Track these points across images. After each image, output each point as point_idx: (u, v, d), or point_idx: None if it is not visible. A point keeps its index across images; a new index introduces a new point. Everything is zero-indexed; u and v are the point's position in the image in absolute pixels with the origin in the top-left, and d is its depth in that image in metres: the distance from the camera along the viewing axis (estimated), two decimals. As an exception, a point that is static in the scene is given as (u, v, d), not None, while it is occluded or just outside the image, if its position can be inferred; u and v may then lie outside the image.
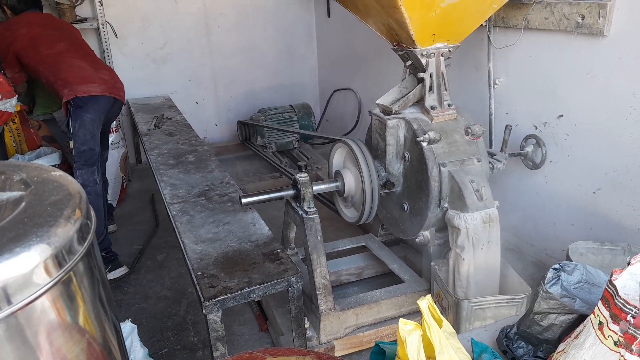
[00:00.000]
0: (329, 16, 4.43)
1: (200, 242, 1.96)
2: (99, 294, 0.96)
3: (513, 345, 1.28)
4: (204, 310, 1.65)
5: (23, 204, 0.90)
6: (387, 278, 2.44)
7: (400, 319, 1.11)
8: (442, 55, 2.10)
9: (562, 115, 2.32)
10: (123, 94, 3.05)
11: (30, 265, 0.80)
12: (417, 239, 2.20)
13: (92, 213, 0.96)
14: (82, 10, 3.88)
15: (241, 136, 4.44)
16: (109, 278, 2.79)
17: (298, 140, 4.26)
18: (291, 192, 2.16)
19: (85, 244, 0.88)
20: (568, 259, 2.01)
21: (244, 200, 2.08)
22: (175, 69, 4.41)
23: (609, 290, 1.00)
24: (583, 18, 2.10)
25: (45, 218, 0.87)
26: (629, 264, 1.10)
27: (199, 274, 1.77)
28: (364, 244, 2.62)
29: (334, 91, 4.62)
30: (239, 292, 1.66)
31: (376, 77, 3.86)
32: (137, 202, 3.75)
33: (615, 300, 0.97)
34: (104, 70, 2.99)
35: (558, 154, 2.37)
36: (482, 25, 2.29)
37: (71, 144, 2.81)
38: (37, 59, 2.86)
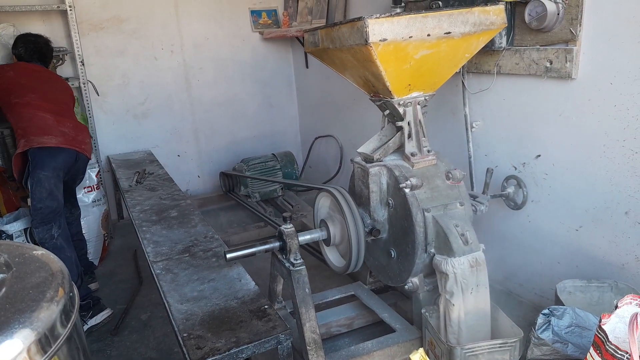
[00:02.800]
0: (307, 67, 4.55)
1: (185, 301, 1.92)
2: (81, 369, 0.92)
3: (509, 395, 1.26)
4: (191, 374, 1.59)
5: (4, 288, 0.88)
6: (379, 327, 2.40)
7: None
8: (418, 104, 2.15)
9: (539, 156, 2.37)
10: (86, 147, 2.98)
11: (12, 354, 0.77)
12: (406, 286, 2.18)
13: (75, 290, 0.94)
14: (64, 70, 3.92)
15: (224, 187, 4.44)
16: (90, 324, 2.70)
17: (282, 188, 4.26)
18: (277, 244, 2.14)
19: (69, 325, 0.86)
20: (557, 298, 2.01)
21: (228, 256, 2.06)
22: (156, 124, 4.44)
23: (599, 336, 1.00)
24: (551, 63, 2.18)
25: (27, 303, 0.84)
26: (616, 307, 1.10)
27: (185, 335, 1.72)
28: (353, 292, 2.59)
29: (316, 138, 4.68)
30: (227, 352, 1.61)
31: (356, 123, 3.93)
32: (119, 260, 3.67)
33: (607, 347, 0.96)
34: (68, 123, 2.93)
35: (539, 193, 2.41)
36: (456, 71, 2.37)
37: (29, 201, 2.75)
38: (7, 105, 2.87)
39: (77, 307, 0.92)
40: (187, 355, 1.63)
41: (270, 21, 4.64)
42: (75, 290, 0.95)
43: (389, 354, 2.12)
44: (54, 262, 0.97)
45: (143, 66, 4.28)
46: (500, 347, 1.86)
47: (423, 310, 2.09)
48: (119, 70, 4.20)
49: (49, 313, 0.83)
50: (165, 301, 1.95)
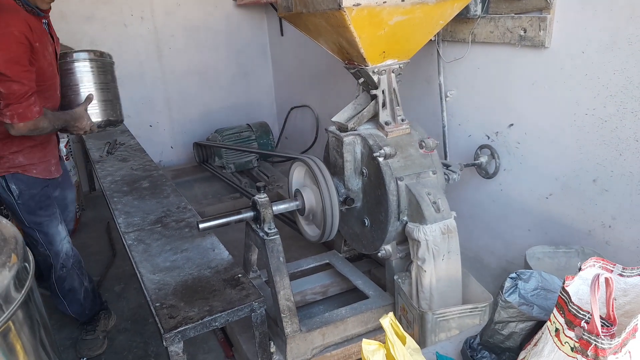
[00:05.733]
0: (282, 35, 4.46)
1: (157, 271, 1.90)
2: (40, 339, 0.90)
3: (477, 355, 1.29)
4: (164, 343, 1.59)
5: (-46, 255, 0.84)
6: (353, 294, 2.43)
7: (364, 339, 1.09)
8: (393, 72, 2.13)
9: (512, 125, 2.39)
10: None
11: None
12: (379, 253, 2.20)
13: (31, 256, 0.91)
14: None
15: (198, 158, 4.37)
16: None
17: (257, 159, 4.22)
18: (250, 214, 2.13)
19: (24, 290, 0.83)
20: (526, 264, 2.05)
21: (201, 226, 2.04)
22: (127, 93, 4.29)
23: (563, 297, 1.02)
24: (525, 31, 2.18)
25: (-22, 268, 0.81)
26: (580, 269, 1.12)
27: (157, 304, 1.71)
28: (327, 261, 2.61)
29: (292, 108, 4.63)
30: (200, 321, 1.61)
31: (332, 93, 3.89)
32: (91, 232, 3.62)
33: (569, 307, 0.99)
34: None
35: (511, 162, 2.43)
36: (431, 40, 2.34)
37: None
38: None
39: (32, 274, 0.89)
40: (160, 325, 1.62)
41: (244, -13, 4.51)
42: (31, 256, 0.92)
43: (362, 320, 2.15)
44: (6, 227, 0.94)
45: (112, 33, 4.14)
46: (470, 311, 1.91)
47: (395, 277, 2.12)
48: (86, 36, 4.05)
49: (1, 278, 0.80)
50: (137, 272, 1.93)
